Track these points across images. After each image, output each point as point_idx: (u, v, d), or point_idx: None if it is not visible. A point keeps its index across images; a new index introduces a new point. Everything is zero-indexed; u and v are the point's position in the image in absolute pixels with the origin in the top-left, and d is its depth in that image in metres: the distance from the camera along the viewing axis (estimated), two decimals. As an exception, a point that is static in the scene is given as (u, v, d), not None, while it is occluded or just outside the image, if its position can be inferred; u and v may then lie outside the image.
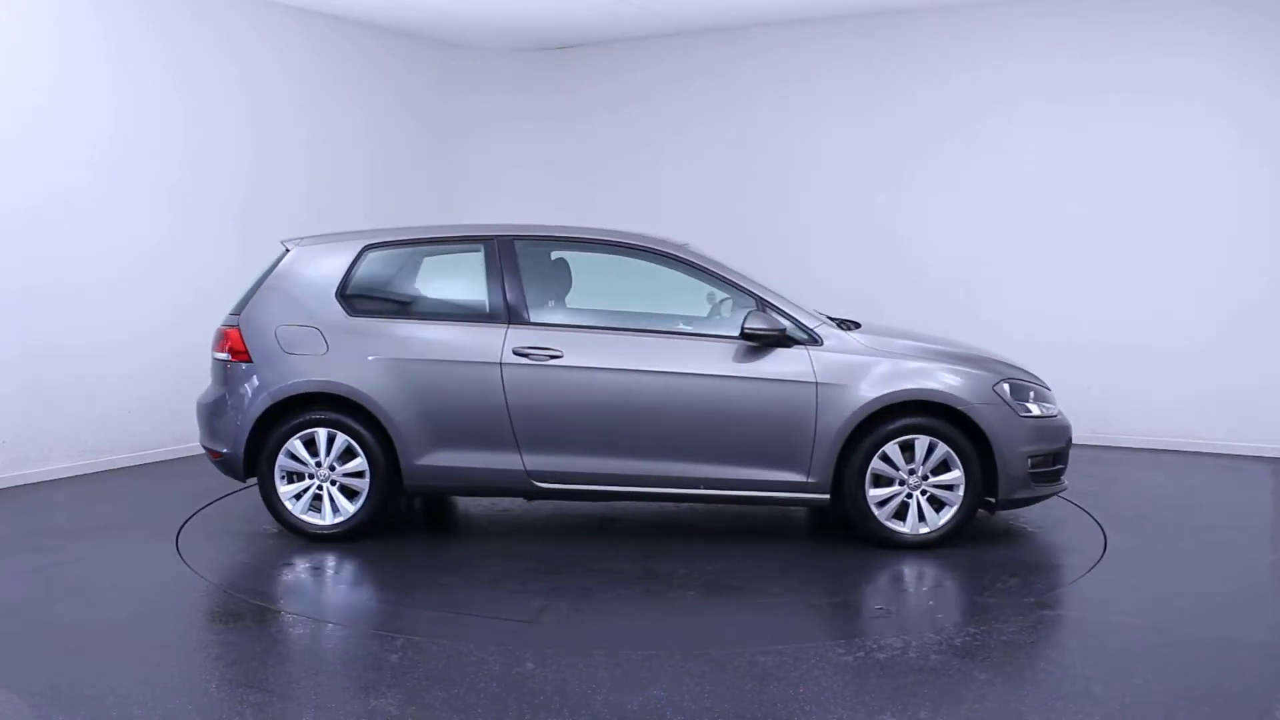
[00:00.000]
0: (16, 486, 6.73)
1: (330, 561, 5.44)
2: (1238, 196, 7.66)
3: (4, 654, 4.17)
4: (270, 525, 5.86)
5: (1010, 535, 5.76)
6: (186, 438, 7.77)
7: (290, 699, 3.75)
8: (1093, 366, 8.05)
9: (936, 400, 5.36)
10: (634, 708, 3.64)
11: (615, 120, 9.90)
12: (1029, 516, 6.09)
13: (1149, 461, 7.66)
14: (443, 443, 5.52)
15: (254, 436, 5.59)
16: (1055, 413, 5.64)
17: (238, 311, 5.80)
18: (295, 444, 5.58)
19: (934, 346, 5.67)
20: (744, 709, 3.65)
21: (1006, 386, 5.46)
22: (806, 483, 5.40)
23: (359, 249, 5.78)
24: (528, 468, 5.50)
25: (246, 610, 4.68)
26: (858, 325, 5.88)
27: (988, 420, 5.35)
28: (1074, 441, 5.75)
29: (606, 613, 4.68)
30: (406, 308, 5.88)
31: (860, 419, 5.33)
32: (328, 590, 5.10)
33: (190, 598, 4.84)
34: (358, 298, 5.74)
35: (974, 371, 5.46)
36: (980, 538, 5.67)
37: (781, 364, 5.39)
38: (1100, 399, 8.01)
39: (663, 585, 4.99)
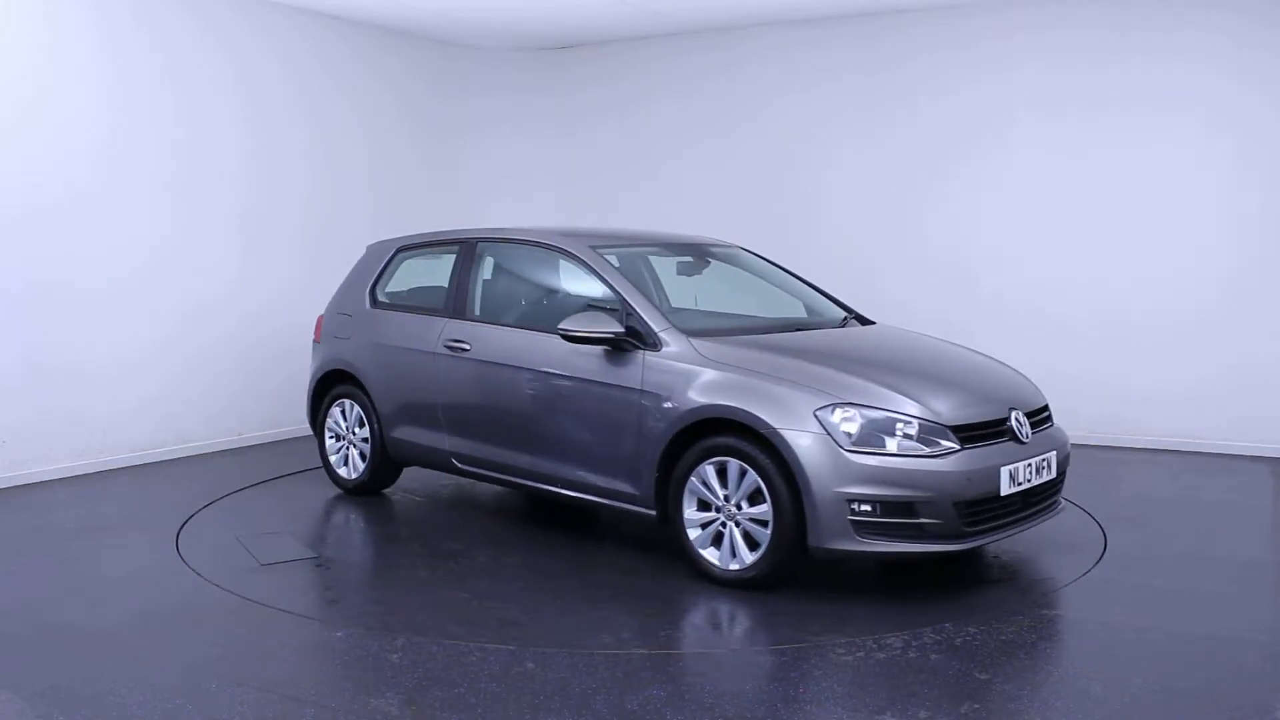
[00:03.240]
0: (16, 486, 6.73)
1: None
2: (1239, 194, 7.66)
3: (4, 654, 4.17)
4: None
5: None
6: (187, 437, 7.79)
7: (290, 699, 3.75)
8: (1093, 363, 8.04)
9: (731, 418, 4.77)
10: (634, 708, 3.64)
11: (616, 121, 9.89)
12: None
13: (1149, 461, 7.66)
14: (405, 419, 6.24)
15: (314, 402, 6.81)
16: (937, 454, 4.56)
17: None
18: (334, 411, 6.66)
19: (796, 362, 4.91)
20: (744, 709, 3.65)
21: (838, 414, 4.60)
22: (635, 495, 5.16)
23: (395, 250, 6.64)
24: (450, 449, 6.01)
25: (246, 610, 4.68)
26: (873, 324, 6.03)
27: (791, 448, 4.58)
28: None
29: (329, 579, 5.18)
30: (403, 301, 6.51)
31: (674, 432, 4.94)
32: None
33: (190, 598, 4.83)
34: (380, 292, 6.59)
35: (796, 392, 4.69)
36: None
37: (619, 369, 5.19)
38: (1100, 398, 8.01)
39: (422, 567, 5.27)
